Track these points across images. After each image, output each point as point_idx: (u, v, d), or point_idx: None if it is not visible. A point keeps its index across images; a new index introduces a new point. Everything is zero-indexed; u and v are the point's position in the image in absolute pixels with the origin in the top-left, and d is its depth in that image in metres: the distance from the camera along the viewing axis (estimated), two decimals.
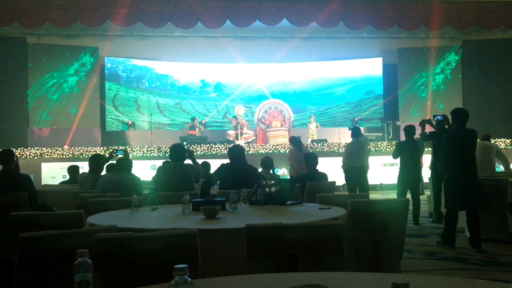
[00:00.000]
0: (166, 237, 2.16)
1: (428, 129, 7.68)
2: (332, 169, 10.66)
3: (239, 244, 2.43)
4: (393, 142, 12.90)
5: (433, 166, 7.54)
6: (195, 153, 11.71)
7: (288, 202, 3.97)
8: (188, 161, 5.45)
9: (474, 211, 5.36)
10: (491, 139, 9.11)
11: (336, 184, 6.34)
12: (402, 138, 7.97)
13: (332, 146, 12.89)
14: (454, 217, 5.51)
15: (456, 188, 5.35)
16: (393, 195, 10.58)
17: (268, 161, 6.85)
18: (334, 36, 16.78)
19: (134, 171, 5.42)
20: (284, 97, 17.10)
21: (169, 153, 5.27)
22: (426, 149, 8.38)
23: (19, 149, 12.26)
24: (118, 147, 12.11)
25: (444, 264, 4.75)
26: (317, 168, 6.38)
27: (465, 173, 5.32)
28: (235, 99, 17.27)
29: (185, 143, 13.09)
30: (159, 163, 6.53)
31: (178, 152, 5.16)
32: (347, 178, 8.07)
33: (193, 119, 15.01)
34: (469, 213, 5.39)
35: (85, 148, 12.56)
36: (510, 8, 14.59)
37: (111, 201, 4.07)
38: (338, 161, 8.74)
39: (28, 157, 12.19)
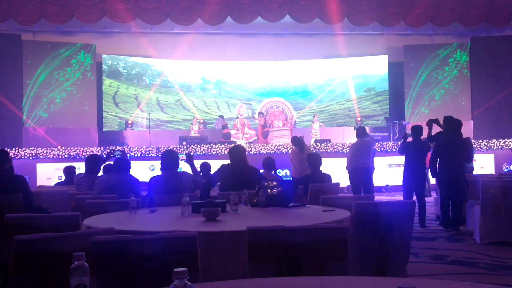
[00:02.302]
0: (165, 240, 2.16)
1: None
2: (336, 170, 10.65)
3: (240, 247, 2.43)
4: (399, 142, 12.90)
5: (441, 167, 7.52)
6: (193, 153, 11.71)
7: (290, 204, 3.97)
8: (186, 164, 5.38)
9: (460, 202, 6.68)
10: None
11: (340, 185, 6.33)
12: (408, 138, 7.96)
13: (336, 146, 12.88)
14: (446, 206, 6.86)
15: (448, 184, 6.76)
16: (399, 197, 10.57)
17: (270, 162, 6.85)
18: (338, 33, 16.76)
19: (132, 171, 5.42)
20: (284, 94, 17.11)
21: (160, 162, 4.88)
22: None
23: (14, 149, 12.25)
24: (116, 147, 12.11)
25: (452, 268, 4.74)
26: (320, 169, 6.38)
27: (457, 171, 6.75)
28: (236, 97, 17.29)
29: (184, 143, 13.10)
30: (157, 164, 6.52)
31: (169, 160, 4.81)
32: (351, 179, 8.06)
33: (221, 116, 15.21)
34: (455, 204, 6.70)
35: (82, 148, 12.56)
36: None
37: (108, 203, 4.07)
38: (342, 161, 8.73)
39: (22, 157, 12.20)
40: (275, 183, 4.08)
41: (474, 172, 10.54)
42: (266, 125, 15.04)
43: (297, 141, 8.61)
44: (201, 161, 7.97)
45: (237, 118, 15.51)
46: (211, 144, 12.93)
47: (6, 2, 13.18)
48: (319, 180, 5.99)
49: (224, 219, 3.19)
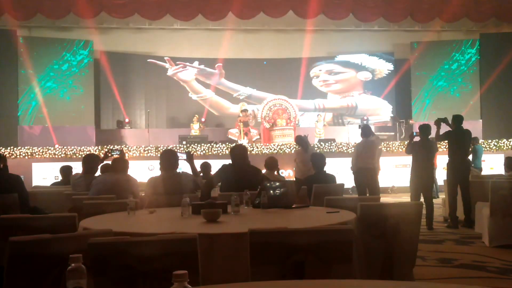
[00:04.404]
0: (164, 241, 2.16)
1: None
2: (341, 171, 10.63)
3: (242, 250, 2.43)
4: (406, 142, 12.90)
5: (449, 167, 7.52)
6: (194, 153, 11.71)
7: (293, 206, 3.97)
8: (186, 164, 5.36)
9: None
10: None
11: (345, 186, 6.34)
12: (415, 138, 7.97)
13: (340, 146, 12.88)
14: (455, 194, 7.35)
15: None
16: (405, 198, 10.56)
17: (272, 162, 6.85)
18: (343, 29, 16.76)
19: (131, 172, 5.42)
20: (288, 92, 17.10)
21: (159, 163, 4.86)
22: (440, 150, 8.40)
23: (9, 148, 12.29)
24: (114, 147, 12.13)
25: (460, 272, 4.73)
26: (324, 169, 6.37)
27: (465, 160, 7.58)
28: (237, 94, 17.29)
29: (184, 142, 13.11)
30: (156, 163, 6.56)
31: (168, 160, 4.79)
32: (356, 180, 8.05)
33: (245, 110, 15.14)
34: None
35: (79, 148, 12.58)
36: None
37: (106, 204, 4.08)
38: (347, 162, 8.72)
39: (18, 156, 12.22)
40: (277, 183, 4.08)
41: (483, 173, 10.56)
42: (247, 124, 14.99)
43: (302, 141, 8.59)
44: (201, 161, 7.98)
45: (239, 116, 15.50)
46: (212, 144, 12.94)
47: None
48: (323, 181, 5.98)
49: (225, 221, 3.19)
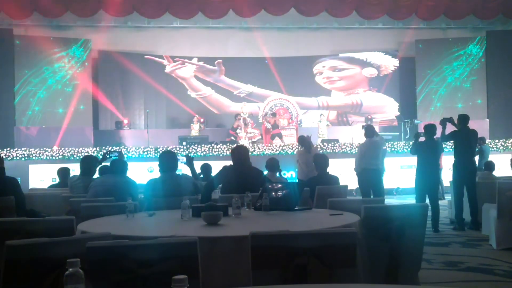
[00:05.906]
0: (164, 245, 2.16)
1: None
2: (344, 172, 10.64)
3: (243, 253, 2.43)
4: (411, 142, 12.89)
5: (455, 168, 7.52)
6: (193, 154, 11.72)
7: (296, 208, 3.97)
8: (185, 167, 5.35)
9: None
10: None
11: (349, 188, 6.33)
12: (420, 138, 7.96)
13: (344, 147, 12.87)
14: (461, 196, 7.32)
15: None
16: (410, 200, 10.55)
17: (274, 163, 6.85)
18: (346, 27, 16.76)
19: (130, 173, 5.43)
20: (289, 91, 17.11)
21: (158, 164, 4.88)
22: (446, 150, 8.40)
23: (5, 149, 12.30)
24: (112, 148, 12.14)
25: (467, 276, 4.73)
26: (327, 170, 6.37)
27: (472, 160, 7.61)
28: (238, 93, 17.31)
29: (184, 143, 13.11)
30: (156, 165, 6.54)
31: (167, 161, 4.80)
32: (360, 181, 8.05)
33: (273, 114, 15.09)
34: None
35: (76, 149, 12.58)
36: None
37: (104, 206, 4.08)
38: (351, 162, 8.72)
39: (14, 158, 12.24)
40: (279, 185, 4.08)
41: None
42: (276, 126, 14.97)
43: (304, 141, 8.59)
44: (201, 162, 7.97)
45: (241, 116, 15.49)
46: (212, 144, 12.95)
47: None
48: (326, 182, 5.98)
49: (226, 224, 3.19)
